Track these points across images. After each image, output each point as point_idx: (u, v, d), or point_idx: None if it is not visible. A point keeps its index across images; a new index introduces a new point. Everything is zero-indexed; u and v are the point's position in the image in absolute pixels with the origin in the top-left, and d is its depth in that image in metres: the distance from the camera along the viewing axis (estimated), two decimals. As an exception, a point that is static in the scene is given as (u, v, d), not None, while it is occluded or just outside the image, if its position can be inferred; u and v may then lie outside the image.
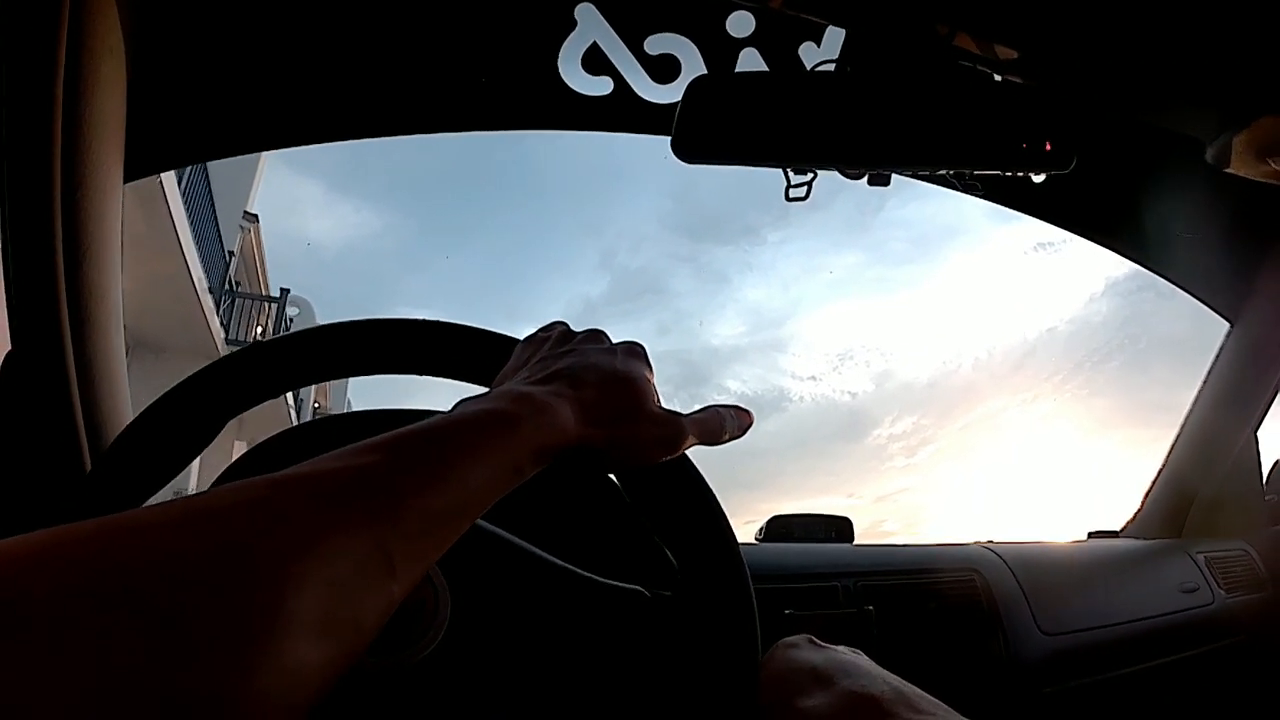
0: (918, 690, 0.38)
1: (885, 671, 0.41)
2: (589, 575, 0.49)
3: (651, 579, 0.52)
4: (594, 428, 0.38)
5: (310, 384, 0.56)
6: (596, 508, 0.59)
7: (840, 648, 0.45)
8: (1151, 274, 1.17)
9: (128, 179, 0.84)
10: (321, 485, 0.25)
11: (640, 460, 0.40)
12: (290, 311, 11.42)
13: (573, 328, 0.46)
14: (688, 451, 0.45)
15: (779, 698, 0.40)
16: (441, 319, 0.53)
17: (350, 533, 0.24)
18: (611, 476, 0.55)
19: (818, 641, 0.45)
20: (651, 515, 0.50)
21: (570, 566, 0.49)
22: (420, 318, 0.54)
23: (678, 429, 0.41)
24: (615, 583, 0.50)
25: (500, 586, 0.47)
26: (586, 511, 0.59)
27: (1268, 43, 0.72)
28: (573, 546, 0.51)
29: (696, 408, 0.44)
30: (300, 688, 0.22)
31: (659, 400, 0.42)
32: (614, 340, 0.45)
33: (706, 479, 0.50)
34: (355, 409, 0.64)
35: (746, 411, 0.46)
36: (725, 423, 0.44)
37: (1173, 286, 1.19)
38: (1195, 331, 1.21)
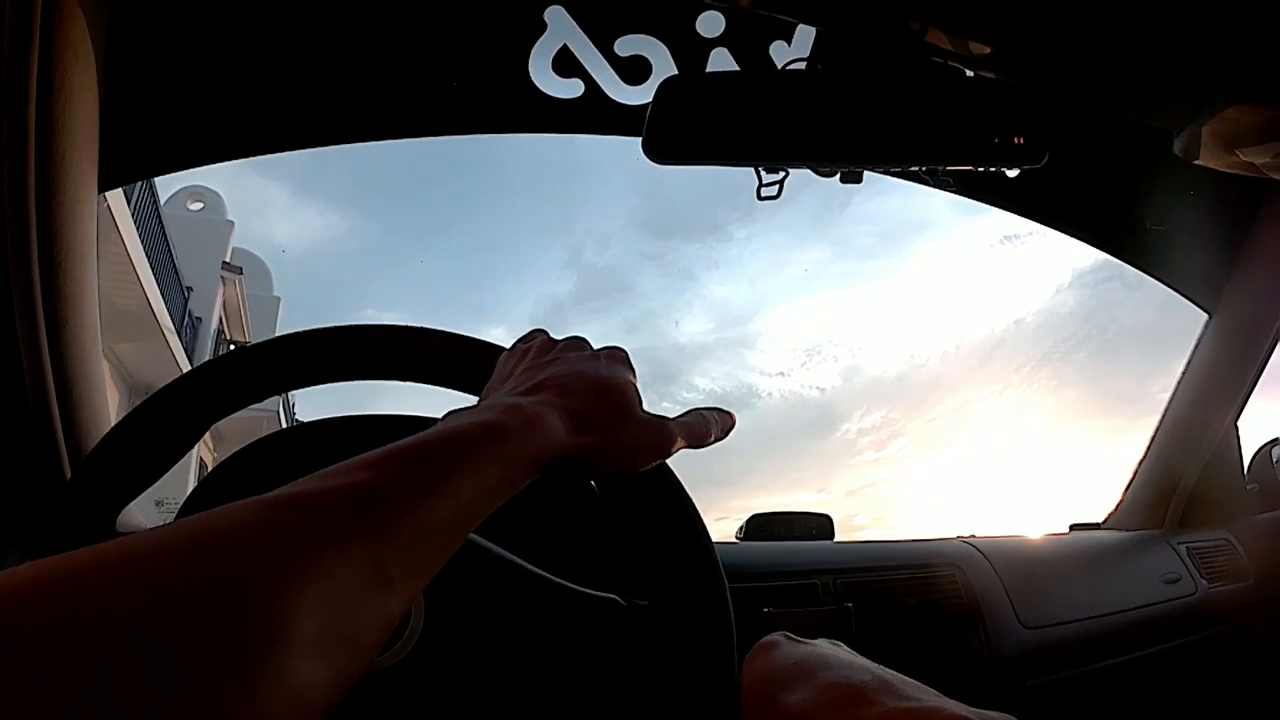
0: (901, 677, 0.37)
1: (867, 661, 0.41)
2: (564, 583, 0.49)
3: (627, 585, 0.52)
4: (584, 436, 0.38)
5: (293, 389, 0.56)
6: (572, 512, 0.59)
7: (819, 641, 0.45)
8: (1118, 264, 1.18)
9: (102, 188, 0.84)
10: (315, 504, 0.26)
11: (629, 466, 0.41)
12: (193, 206, 10.13)
13: (552, 335, 0.46)
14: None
15: (762, 697, 0.40)
16: (429, 326, 0.53)
17: (346, 551, 0.25)
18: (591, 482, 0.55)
19: (795, 637, 0.44)
20: (628, 521, 0.50)
21: (545, 574, 0.49)
22: (407, 324, 0.54)
23: (665, 433, 0.42)
24: (590, 591, 0.50)
25: (475, 593, 0.46)
26: (562, 516, 0.59)
27: (1232, 34, 0.72)
28: (547, 551, 0.51)
29: (680, 411, 0.45)
30: (304, 708, 0.22)
31: (643, 405, 0.42)
32: (595, 345, 0.45)
33: (682, 483, 0.50)
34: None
35: (729, 413, 0.46)
36: (710, 425, 0.45)
37: (1140, 276, 1.19)
38: (1161, 320, 1.22)
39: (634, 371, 0.44)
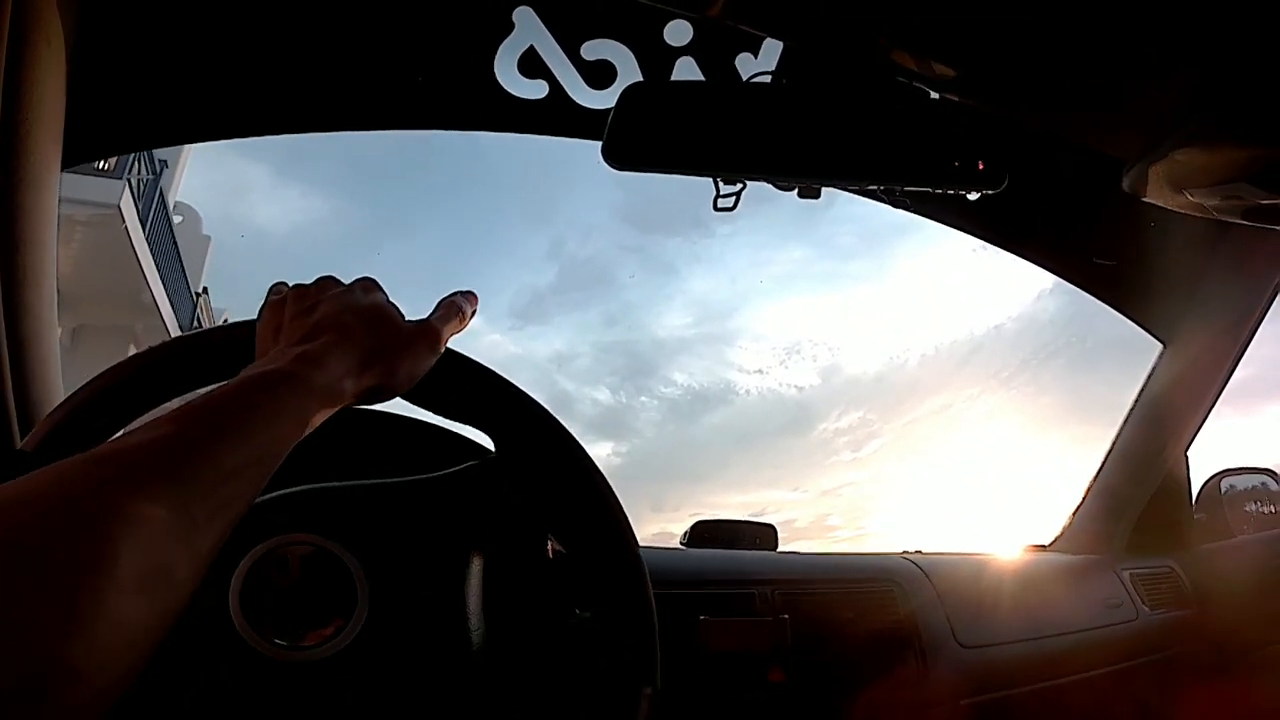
0: None
1: None
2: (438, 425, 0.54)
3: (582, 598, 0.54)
4: (370, 364, 0.42)
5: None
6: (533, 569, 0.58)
7: None
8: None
9: (65, 166, 0.84)
10: (125, 459, 0.29)
11: (416, 372, 0.45)
12: (177, 219, 9.13)
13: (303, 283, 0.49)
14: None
15: None
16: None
17: (152, 498, 0.28)
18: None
19: None
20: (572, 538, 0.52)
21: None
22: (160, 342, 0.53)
23: (434, 333, 0.47)
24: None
25: (420, 568, 0.47)
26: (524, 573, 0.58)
27: (1189, 69, 0.73)
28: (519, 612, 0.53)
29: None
30: (129, 644, 0.25)
31: (404, 316, 0.47)
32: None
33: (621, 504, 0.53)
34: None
35: (471, 292, 0.52)
36: (463, 308, 0.50)
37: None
38: (1138, 333, 1.24)
39: (385, 292, 0.48)
